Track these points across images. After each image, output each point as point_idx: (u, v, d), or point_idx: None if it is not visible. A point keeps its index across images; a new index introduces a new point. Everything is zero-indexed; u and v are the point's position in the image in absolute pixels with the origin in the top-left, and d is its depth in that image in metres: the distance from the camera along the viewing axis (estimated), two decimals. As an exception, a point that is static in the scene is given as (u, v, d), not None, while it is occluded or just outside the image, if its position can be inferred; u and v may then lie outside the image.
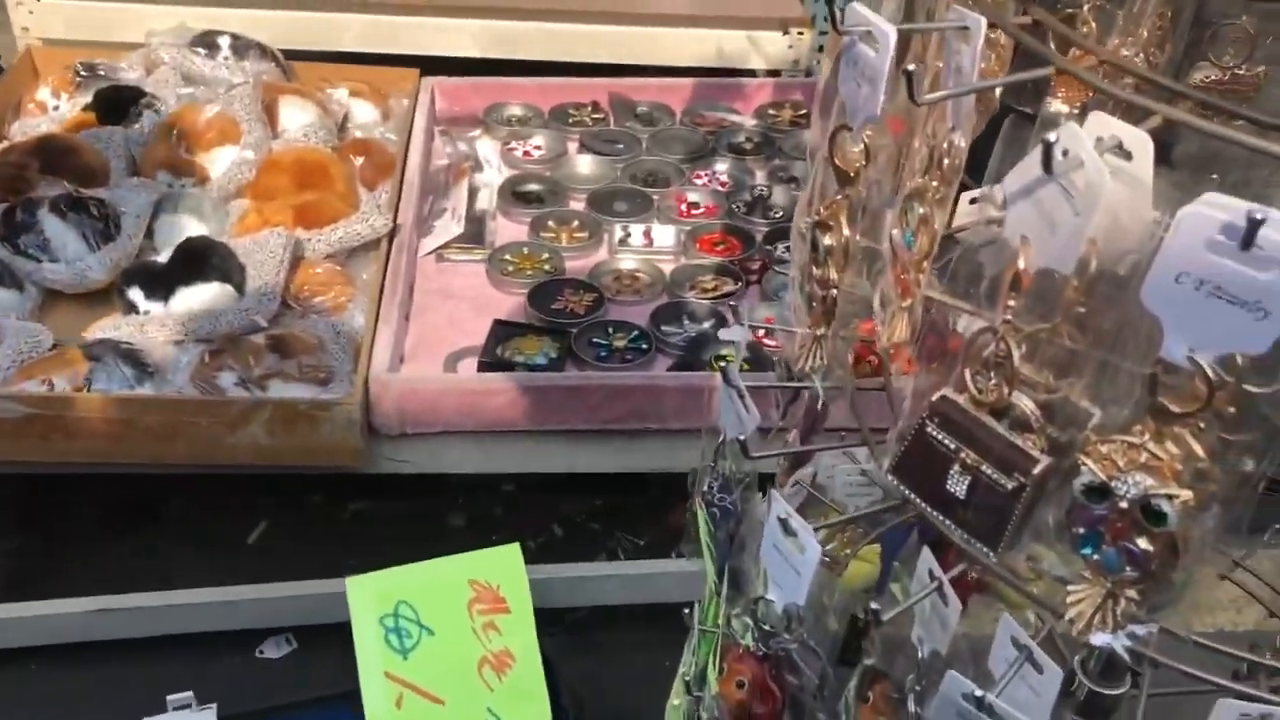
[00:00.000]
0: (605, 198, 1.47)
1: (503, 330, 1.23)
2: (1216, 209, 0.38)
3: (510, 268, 1.34)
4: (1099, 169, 0.41)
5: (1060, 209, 0.43)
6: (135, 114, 1.39)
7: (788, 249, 1.41)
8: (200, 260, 1.17)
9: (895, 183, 0.58)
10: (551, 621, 1.03)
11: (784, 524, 0.58)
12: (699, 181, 1.53)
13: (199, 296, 1.15)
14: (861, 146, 0.53)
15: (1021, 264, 0.45)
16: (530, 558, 0.96)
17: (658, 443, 1.15)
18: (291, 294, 1.20)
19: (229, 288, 1.16)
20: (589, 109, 1.66)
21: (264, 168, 1.34)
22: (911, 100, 0.46)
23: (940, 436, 0.49)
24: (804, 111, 1.67)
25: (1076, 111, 0.74)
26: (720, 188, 1.53)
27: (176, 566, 1.13)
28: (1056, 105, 0.76)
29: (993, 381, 0.48)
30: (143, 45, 1.52)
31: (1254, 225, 0.36)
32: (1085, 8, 0.72)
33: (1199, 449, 0.42)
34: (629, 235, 1.41)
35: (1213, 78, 0.73)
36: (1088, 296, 0.46)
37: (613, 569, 1.19)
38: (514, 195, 1.47)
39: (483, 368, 1.18)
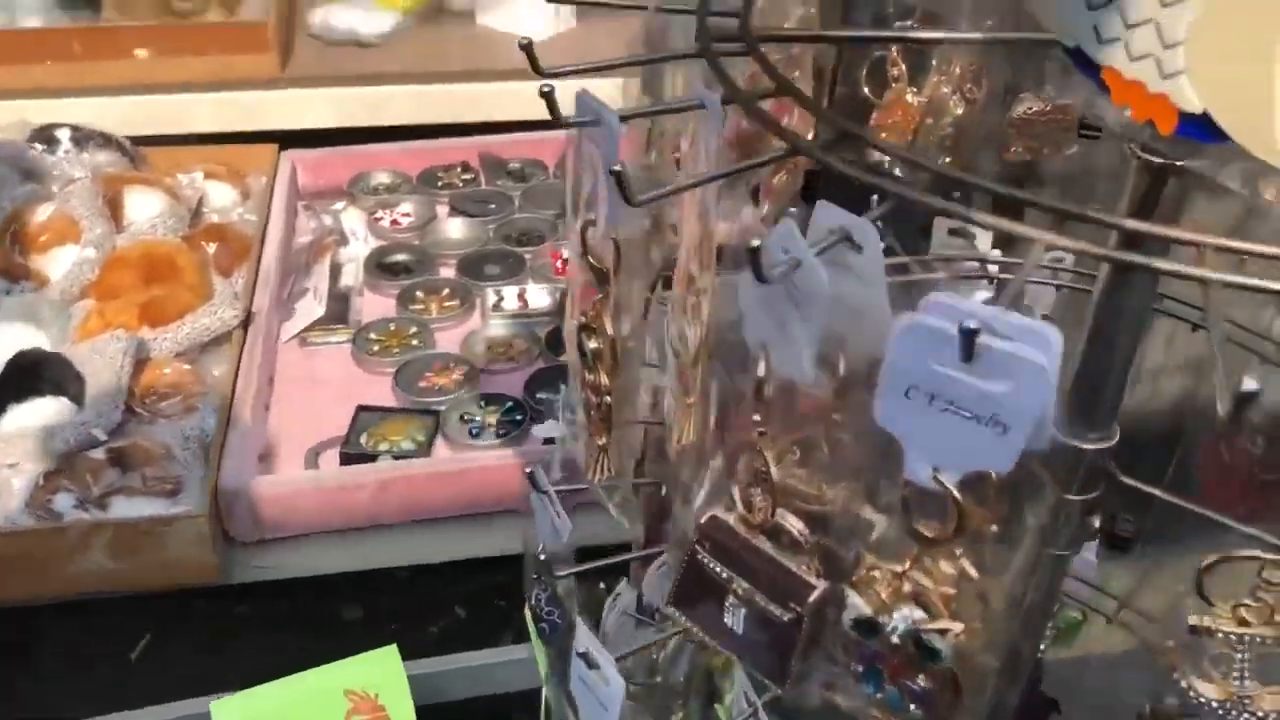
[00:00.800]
0: (476, 262, 1.42)
1: (366, 417, 1.17)
2: (932, 316, 0.33)
3: (376, 347, 1.28)
4: (814, 269, 0.37)
5: (789, 314, 0.39)
6: (-33, 219, 1.32)
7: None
8: (31, 374, 1.10)
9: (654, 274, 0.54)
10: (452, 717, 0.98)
11: (584, 658, 0.53)
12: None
13: (32, 414, 1.08)
14: (611, 245, 0.48)
15: (760, 373, 0.41)
16: (433, 646, 0.90)
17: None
18: (137, 399, 1.13)
19: (65, 401, 1.09)
20: (459, 170, 1.61)
21: (108, 265, 1.28)
22: (626, 202, 0.42)
23: (712, 564, 0.44)
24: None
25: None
26: (597, 240, 1.48)
27: (57, 694, 1.05)
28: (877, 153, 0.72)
29: (759, 498, 0.43)
30: (-23, 146, 1.45)
31: (968, 336, 0.32)
32: (894, 49, 0.68)
33: (971, 570, 0.38)
34: (502, 299, 1.36)
35: (1034, 109, 0.69)
36: (842, 402, 0.41)
37: (514, 653, 1.13)
38: (380, 267, 1.41)
39: (345, 460, 1.12)
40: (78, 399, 1.10)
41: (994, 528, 0.36)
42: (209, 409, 1.14)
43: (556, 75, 0.49)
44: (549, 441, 1.14)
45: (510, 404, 1.18)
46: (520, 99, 1.65)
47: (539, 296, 1.36)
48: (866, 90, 0.69)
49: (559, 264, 1.42)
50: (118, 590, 1.03)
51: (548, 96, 0.48)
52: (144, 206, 1.38)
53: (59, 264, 1.28)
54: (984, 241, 0.78)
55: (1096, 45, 0.36)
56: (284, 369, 1.26)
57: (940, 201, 0.38)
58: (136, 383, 1.14)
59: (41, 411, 1.08)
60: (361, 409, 1.17)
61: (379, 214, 1.51)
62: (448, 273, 1.42)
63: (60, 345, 1.18)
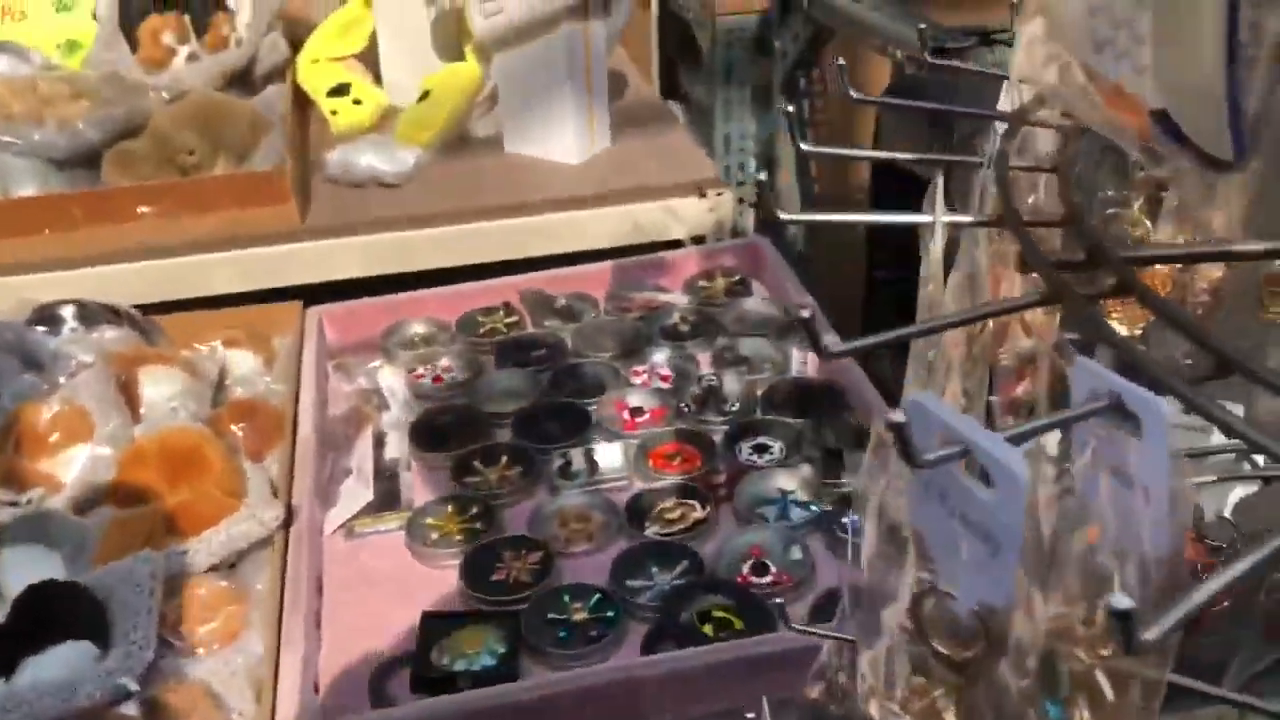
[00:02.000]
0: (533, 419, 1.27)
1: (434, 626, 1.01)
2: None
3: (434, 534, 1.12)
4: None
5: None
6: (-33, 422, 1.17)
7: (754, 451, 1.21)
8: (48, 614, 0.94)
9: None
10: None
11: None
12: (637, 380, 1.34)
13: (50, 665, 0.92)
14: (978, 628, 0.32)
15: None
16: None
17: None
18: (169, 628, 0.97)
19: (87, 645, 0.93)
20: (501, 313, 1.46)
21: (125, 464, 1.13)
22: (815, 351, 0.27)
23: None
24: (738, 278, 1.49)
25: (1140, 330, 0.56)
26: (663, 383, 1.33)
27: None
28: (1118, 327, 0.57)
29: None
30: (-27, 335, 1.31)
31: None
32: (1135, 206, 0.54)
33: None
34: (569, 463, 1.21)
35: None
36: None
37: None
38: (428, 434, 1.26)
39: (416, 684, 0.96)
40: (101, 641, 0.94)
41: None
42: (254, 632, 0.98)
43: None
44: (649, 644, 0.98)
45: (597, 597, 1.02)
46: (559, 230, 1.53)
47: (610, 456, 1.21)
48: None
49: (625, 415, 1.28)
50: None
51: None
52: (161, 388, 1.24)
53: (71, 467, 1.13)
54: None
55: (1094, 55, 0.33)
56: (332, 569, 1.11)
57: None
58: (168, 608, 0.98)
59: (60, 660, 0.92)
60: (428, 616, 1.01)
61: (419, 370, 1.37)
62: (503, 435, 1.26)
63: (77, 567, 1.02)
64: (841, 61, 0.45)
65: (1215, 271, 0.55)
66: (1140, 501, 0.28)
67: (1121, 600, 0.22)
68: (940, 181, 0.40)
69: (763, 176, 0.44)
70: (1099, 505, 0.30)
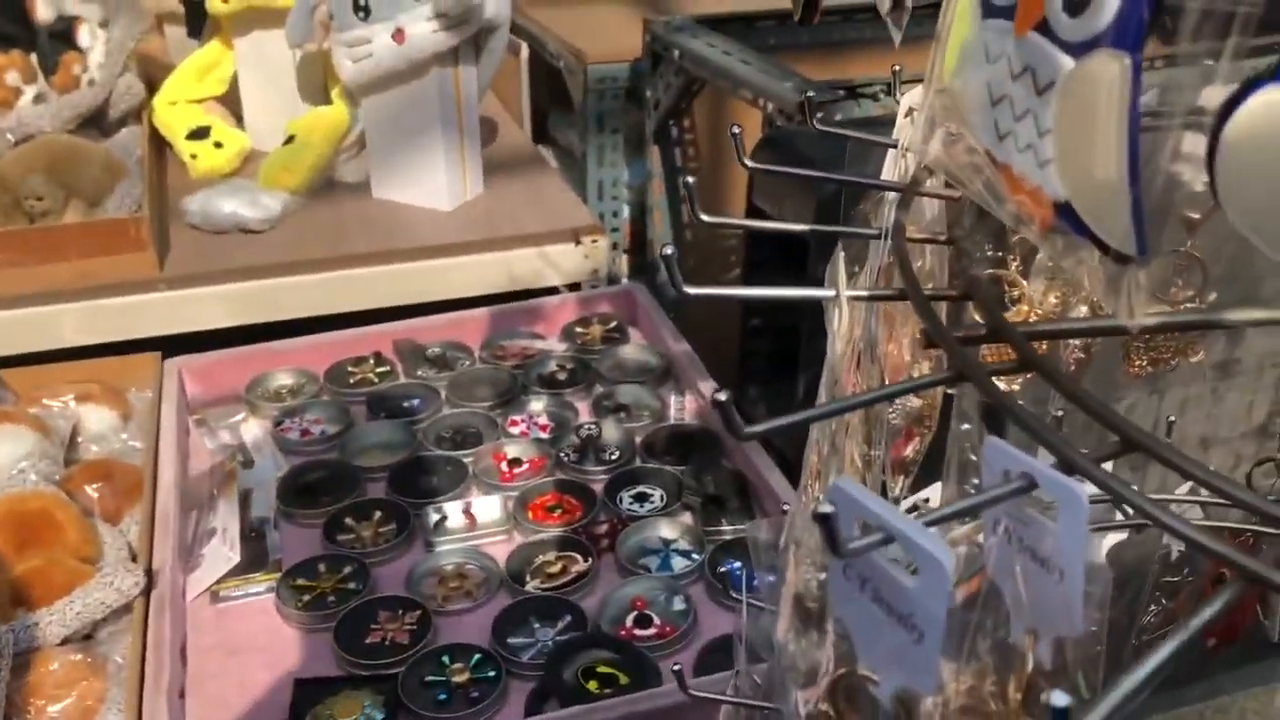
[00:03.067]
0: (408, 473, 1.24)
1: (307, 693, 0.96)
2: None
3: (305, 596, 1.08)
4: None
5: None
6: None
7: (635, 499, 1.20)
8: (-120, 698, 0.87)
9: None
10: None
11: None
12: (515, 430, 1.32)
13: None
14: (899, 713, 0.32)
15: None
16: None
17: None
18: (17, 709, 0.91)
19: (-75, 729, 0.87)
20: (372, 363, 1.43)
21: (-32, 532, 1.06)
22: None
23: None
24: (614, 324, 1.49)
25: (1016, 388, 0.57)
26: (542, 433, 1.32)
27: None
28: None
29: None
30: None
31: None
32: (1012, 267, 0.54)
33: None
34: (446, 518, 1.18)
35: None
36: None
37: None
38: (297, 490, 1.22)
39: (289, 757, 0.92)
40: (-58, 724, 0.87)
41: None
42: (112, 709, 0.93)
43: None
44: (533, 706, 0.95)
45: (478, 657, 1.00)
46: (431, 278, 1.50)
47: (488, 509, 1.18)
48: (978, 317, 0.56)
49: (504, 467, 1.25)
50: None
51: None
52: (8, 448, 1.17)
53: (-94, 535, 1.05)
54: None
55: (998, 142, 0.34)
56: (197, 636, 1.05)
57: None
58: (17, 685, 0.92)
59: (-105, 748, 0.85)
60: (301, 684, 0.97)
61: (286, 424, 1.32)
62: (376, 490, 1.23)
63: (-86, 645, 0.95)
64: (736, 129, 0.45)
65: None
66: (1055, 580, 0.28)
67: (1060, 698, 0.21)
68: (840, 255, 0.40)
69: (669, 250, 0.43)
70: (1013, 584, 0.30)
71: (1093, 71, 0.29)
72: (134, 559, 1.08)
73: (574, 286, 1.55)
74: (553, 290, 1.55)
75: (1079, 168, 0.29)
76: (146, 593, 1.03)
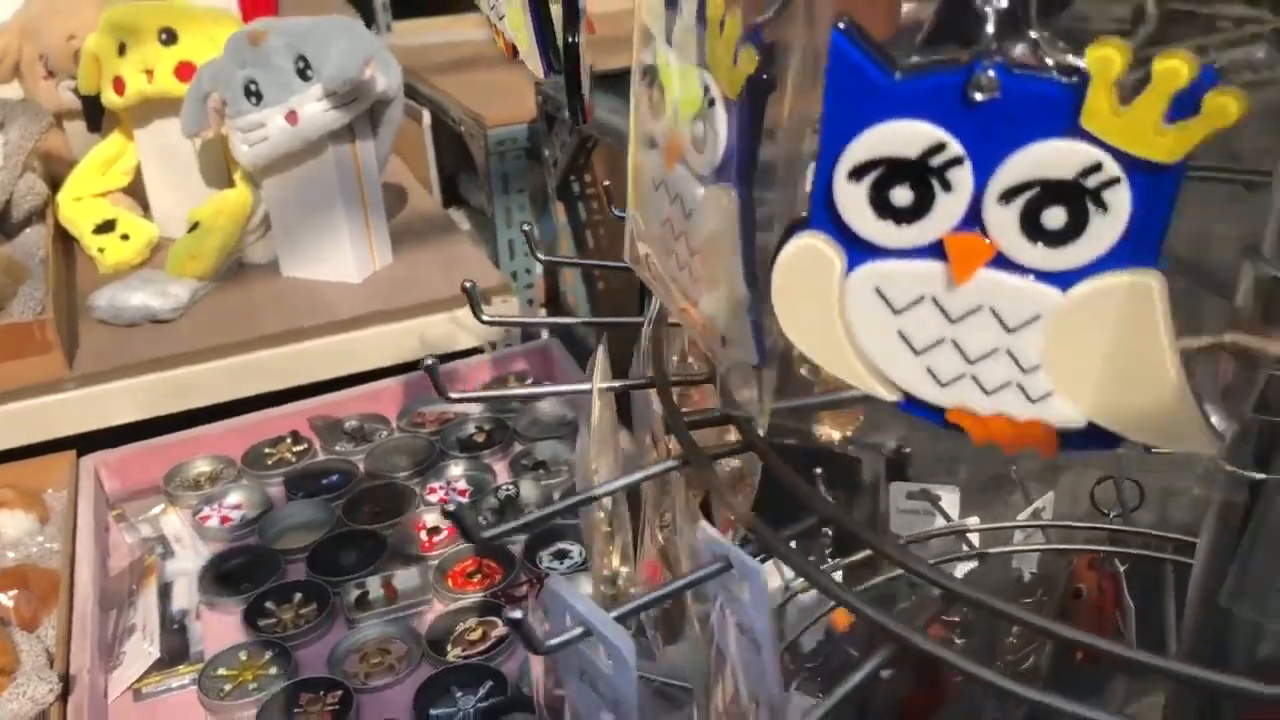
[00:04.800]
0: (328, 551, 1.24)
1: (230, 785, 0.96)
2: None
3: (228, 685, 1.08)
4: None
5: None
6: None
7: (555, 557, 1.21)
8: None
9: None
10: None
11: None
12: (433, 498, 1.33)
13: None
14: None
15: None
16: None
17: None
18: (-66, 830, 0.90)
19: None
20: (289, 441, 1.43)
21: (-121, 653, 1.05)
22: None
23: None
24: (530, 381, 1.50)
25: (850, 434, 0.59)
26: (460, 497, 1.32)
27: None
28: (827, 431, 0.60)
29: None
30: None
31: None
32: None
33: None
34: (367, 593, 1.18)
35: None
36: None
37: None
38: (217, 579, 1.22)
39: None
40: None
41: None
42: (30, 821, 0.92)
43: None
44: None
45: (402, 731, 1.00)
46: (344, 351, 1.51)
47: (408, 580, 1.19)
48: (804, 371, 0.58)
49: (424, 536, 1.26)
50: None
51: (430, 369, 0.37)
52: (-81, 564, 1.16)
53: None
54: (949, 503, 0.67)
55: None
56: (119, 736, 1.05)
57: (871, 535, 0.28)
58: (-69, 807, 0.91)
59: None
60: (223, 776, 0.97)
61: (204, 511, 1.32)
62: (297, 571, 1.23)
63: None
64: (606, 184, 0.47)
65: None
66: (755, 649, 0.30)
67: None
68: (600, 351, 0.42)
69: (468, 284, 0.45)
70: (731, 653, 0.31)
71: (714, 198, 0.31)
72: (51, 664, 1.07)
73: (486, 349, 1.56)
74: (474, 351, 1.56)
75: (715, 293, 0.31)
76: (64, 698, 1.03)
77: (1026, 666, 0.65)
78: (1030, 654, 0.66)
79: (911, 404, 0.32)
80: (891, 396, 0.32)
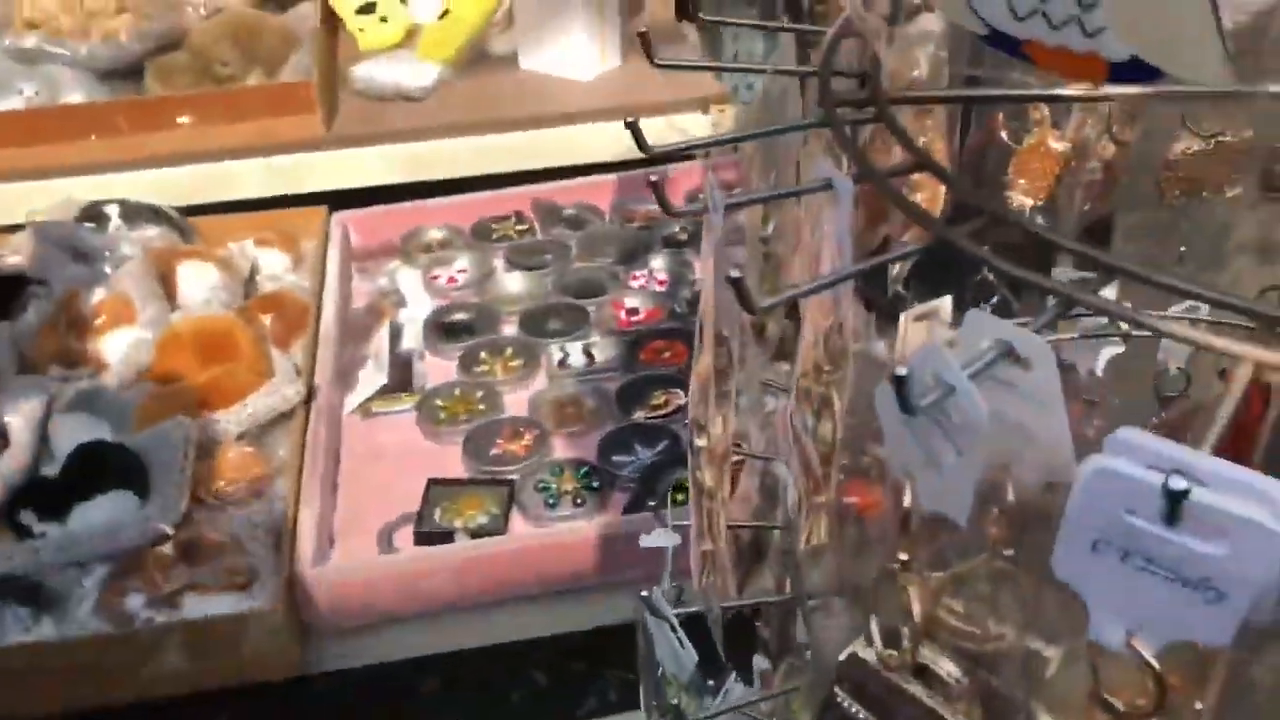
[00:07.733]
0: (538, 317, 1.38)
1: (437, 491, 1.13)
2: (1124, 460, 0.28)
3: (442, 414, 1.24)
4: (971, 398, 0.32)
5: (942, 446, 0.34)
6: (21, 304, 1.30)
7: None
8: (95, 468, 1.07)
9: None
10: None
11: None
12: (635, 284, 1.44)
13: (98, 512, 1.05)
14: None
15: (907, 502, 0.36)
16: (513, 716, 0.95)
17: (622, 595, 1.05)
18: (202, 487, 1.10)
19: (130, 495, 1.06)
20: (512, 221, 1.57)
21: (163, 345, 1.25)
22: (747, 311, 0.37)
23: (852, 709, 0.39)
24: (736, 190, 1.58)
25: (1041, 203, 0.65)
26: (659, 287, 1.43)
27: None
28: (1019, 198, 0.66)
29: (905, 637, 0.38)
30: (23, 227, 1.42)
31: (1174, 499, 0.27)
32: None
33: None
34: (567, 356, 1.32)
35: (1194, 149, 0.63)
36: (1011, 534, 0.36)
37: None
38: (441, 329, 1.38)
39: (419, 540, 1.08)
40: (142, 492, 1.07)
41: (1199, 705, 0.31)
42: (276, 493, 1.11)
43: (665, 159, 0.44)
44: (629, 511, 1.09)
45: (585, 469, 1.14)
46: (571, 143, 1.62)
47: (606, 350, 1.32)
48: (1005, 135, 0.64)
49: (622, 315, 1.38)
50: (195, 693, 0.99)
51: (655, 186, 0.45)
52: (197, 280, 1.36)
53: (115, 347, 1.26)
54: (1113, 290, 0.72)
55: (1016, 23, 0.38)
56: (349, 442, 1.23)
57: (1063, 285, 0.34)
58: (200, 469, 1.11)
59: (106, 508, 1.05)
60: (433, 483, 1.13)
61: (435, 272, 1.48)
62: (509, 331, 1.38)
63: (120, 433, 1.15)
64: (642, 29, 0.53)
65: (1107, 152, 0.63)
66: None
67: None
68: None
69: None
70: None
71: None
72: (298, 375, 1.25)
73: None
74: (684, 157, 1.65)
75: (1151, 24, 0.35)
76: (307, 403, 1.21)
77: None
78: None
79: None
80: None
